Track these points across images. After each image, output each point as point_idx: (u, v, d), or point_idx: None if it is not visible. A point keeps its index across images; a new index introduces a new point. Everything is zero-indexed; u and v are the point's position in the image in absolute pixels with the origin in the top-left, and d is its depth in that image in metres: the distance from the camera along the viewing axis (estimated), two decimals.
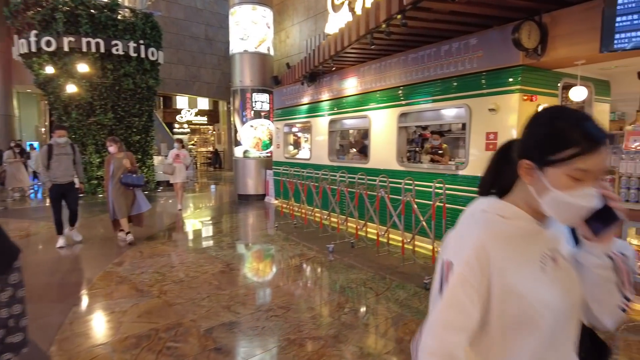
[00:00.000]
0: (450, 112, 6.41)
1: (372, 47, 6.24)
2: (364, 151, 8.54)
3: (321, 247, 6.61)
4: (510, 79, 5.35)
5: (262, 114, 12.03)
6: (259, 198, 12.05)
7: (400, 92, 7.07)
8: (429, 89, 6.51)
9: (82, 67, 12.27)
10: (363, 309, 4.24)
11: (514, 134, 5.32)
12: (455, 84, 6.09)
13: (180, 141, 10.08)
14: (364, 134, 8.32)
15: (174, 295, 4.65)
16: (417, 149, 6.85)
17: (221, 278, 5.21)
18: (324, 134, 9.11)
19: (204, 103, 29.21)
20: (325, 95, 9.07)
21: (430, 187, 6.42)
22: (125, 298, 4.57)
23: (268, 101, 12.05)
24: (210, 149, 30.12)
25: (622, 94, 7.05)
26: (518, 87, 5.27)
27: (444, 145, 7.60)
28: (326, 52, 7.42)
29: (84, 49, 12.18)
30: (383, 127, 7.46)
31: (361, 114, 7.96)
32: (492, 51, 5.51)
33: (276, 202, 11.22)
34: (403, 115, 7.03)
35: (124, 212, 6.78)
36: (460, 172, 6.03)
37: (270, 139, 12.00)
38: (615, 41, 4.21)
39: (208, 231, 8.31)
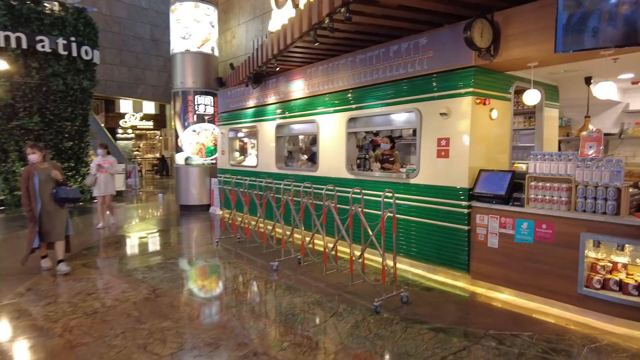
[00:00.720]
0: (400, 117, 6.02)
1: (317, 45, 5.75)
2: (313, 158, 8.04)
3: (266, 264, 6.00)
4: (462, 82, 5.02)
5: (206, 117, 11.25)
6: (203, 209, 11.24)
7: (349, 95, 6.62)
8: (379, 92, 6.10)
9: (1, 64, 10.95)
10: (305, 342, 3.68)
11: (466, 140, 5.00)
12: (405, 86, 5.71)
13: (104, 146, 8.71)
14: (313, 139, 7.81)
15: (81, 332, 3.88)
16: (367, 155, 6.43)
17: (143, 307, 4.47)
18: (271, 140, 8.51)
19: (149, 107, 27.70)
20: (271, 98, 8.49)
21: (379, 196, 6.00)
22: (17, 339, 3.75)
23: (212, 104, 11.29)
24: (157, 155, 28.59)
25: (570, 99, 6.99)
26: (470, 89, 4.95)
27: (395, 152, 7.23)
28: (269, 51, 6.85)
29: (2, 44, 10.88)
30: (332, 132, 6.98)
31: (309, 119, 7.45)
32: (443, 52, 5.17)
33: (222, 213, 10.46)
34: (352, 120, 6.59)
35: (60, 234, 5.70)
36: (412, 181, 5.64)
37: (215, 145, 11.24)
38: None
39: (140, 249, 7.46)
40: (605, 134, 7.89)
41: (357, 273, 5.27)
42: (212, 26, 11.38)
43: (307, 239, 6.24)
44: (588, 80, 6.13)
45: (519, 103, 6.15)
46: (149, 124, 28.07)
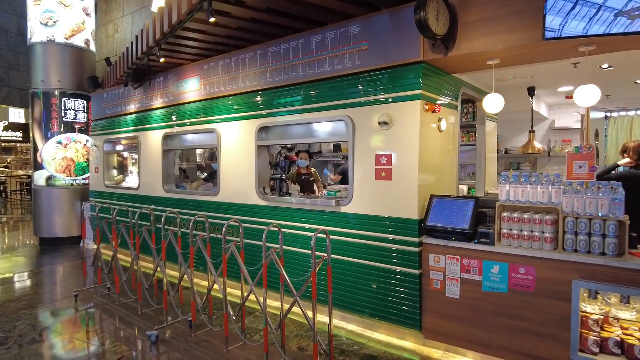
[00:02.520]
0: (325, 127, 4.70)
1: (216, 29, 4.22)
2: (213, 178, 6.38)
3: (142, 332, 4.19)
4: (408, 82, 3.86)
5: (77, 126, 8.91)
6: (73, 242, 8.79)
7: (258, 98, 5.16)
8: (297, 95, 4.74)
9: None
10: None
11: (414, 156, 3.82)
12: (331, 88, 4.42)
13: None
14: (213, 154, 6.17)
15: None
16: (283, 175, 5.03)
17: None
18: (156, 154, 6.64)
19: (18, 114, 23.21)
20: (157, 102, 6.66)
21: (302, 229, 4.58)
22: None
23: (85, 109, 9.00)
24: (30, 172, 24.02)
25: (508, 113, 6.31)
26: (419, 91, 3.80)
27: (312, 170, 5.90)
28: (151, 36, 5.12)
29: None
30: (237, 145, 5.42)
31: (207, 127, 5.80)
32: (382, 43, 3.98)
33: (96, 247, 8.15)
34: (263, 129, 5.11)
35: None
36: (343, 209, 4.32)
37: (88, 161, 8.92)
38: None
39: None
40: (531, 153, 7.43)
41: (272, 342, 3.74)
42: (87, 14, 9.14)
43: (205, 290, 4.56)
44: (531, 91, 5.43)
45: (468, 114, 5.22)
46: (18, 134, 23.51)
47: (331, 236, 4.22)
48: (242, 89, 5.31)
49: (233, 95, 5.46)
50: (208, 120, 5.79)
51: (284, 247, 4.65)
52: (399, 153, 3.92)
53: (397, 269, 3.93)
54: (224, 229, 3.70)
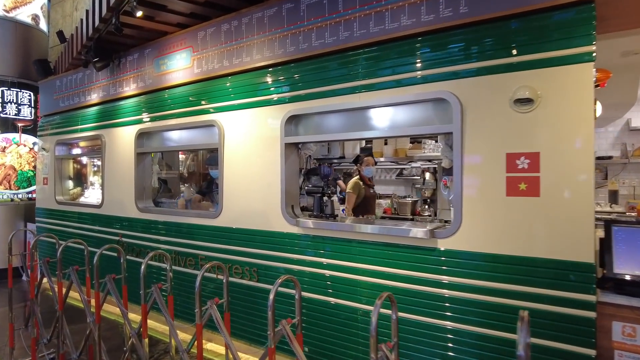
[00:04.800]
0: (405, 113, 3.05)
1: None
2: (211, 191, 4.62)
3: None
4: (571, 31, 2.29)
5: (21, 125, 6.92)
6: (14, 275, 6.72)
7: (283, 74, 3.48)
8: (350, 65, 3.08)
9: None
10: None
11: (590, 155, 2.24)
12: (412, 50, 2.79)
13: None
14: (213, 158, 4.41)
15: None
16: (324, 189, 3.38)
17: None
18: (127, 160, 4.80)
19: None
20: (130, 87, 4.85)
21: (364, 272, 2.89)
22: None
23: (32, 103, 7.03)
24: None
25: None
26: (590, 48, 2.23)
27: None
28: None
29: None
30: (250, 143, 3.71)
31: (203, 120, 4.06)
32: None
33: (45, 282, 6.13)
34: (293, 120, 3.42)
35: None
36: (443, 245, 2.66)
37: (35, 169, 6.92)
38: None
39: None
40: (600, 157, 6.05)
41: None
42: None
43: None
44: None
45: None
46: None
47: (420, 287, 2.58)
48: (257, 63, 3.61)
49: (243, 72, 3.75)
50: (204, 110, 4.04)
51: (334, 300, 2.97)
52: (554, 151, 2.33)
53: (552, 345, 2.30)
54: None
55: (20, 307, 5.34)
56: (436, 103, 2.75)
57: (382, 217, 5.28)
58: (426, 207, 5.05)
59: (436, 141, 5.04)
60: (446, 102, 2.64)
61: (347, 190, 4.30)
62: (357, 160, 4.48)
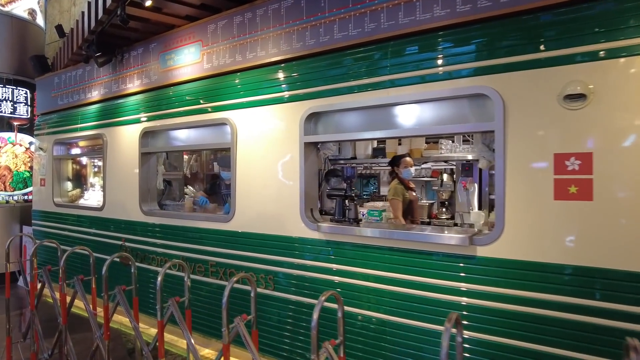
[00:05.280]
0: (435, 110, 2.85)
1: None
2: (218, 191, 4.41)
3: None
4: (633, 20, 2.10)
5: (16, 123, 6.66)
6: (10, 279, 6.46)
7: (298, 69, 3.27)
8: (373, 58, 2.88)
9: None
10: None
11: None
12: (446, 41, 2.60)
13: None
14: (224, 159, 4.20)
15: None
16: (346, 191, 3.16)
17: None
18: (131, 160, 4.57)
19: None
20: (134, 84, 4.62)
21: (394, 282, 2.67)
22: None
23: (27, 101, 6.77)
24: None
25: None
26: None
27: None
28: None
29: None
30: (265, 142, 3.50)
31: (214, 118, 3.84)
32: None
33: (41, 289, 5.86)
34: (313, 117, 3.21)
35: None
36: (482, 251, 2.46)
37: (32, 170, 6.66)
38: None
39: None
40: None
41: None
42: None
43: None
44: None
45: None
46: None
47: (462, 299, 2.39)
48: (273, 57, 3.40)
49: (258, 67, 3.53)
50: (216, 107, 3.81)
51: (360, 311, 2.77)
52: (608, 151, 2.13)
53: None
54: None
55: (16, 315, 5.09)
56: (473, 99, 2.55)
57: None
58: (444, 209, 4.85)
59: (453, 141, 4.85)
60: (486, 98, 2.44)
61: (390, 198, 3.98)
62: (393, 162, 4.19)
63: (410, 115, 2.85)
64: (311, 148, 3.25)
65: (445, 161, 5.03)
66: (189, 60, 4.04)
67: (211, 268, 3.76)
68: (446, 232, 2.62)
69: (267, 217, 3.43)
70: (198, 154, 6.12)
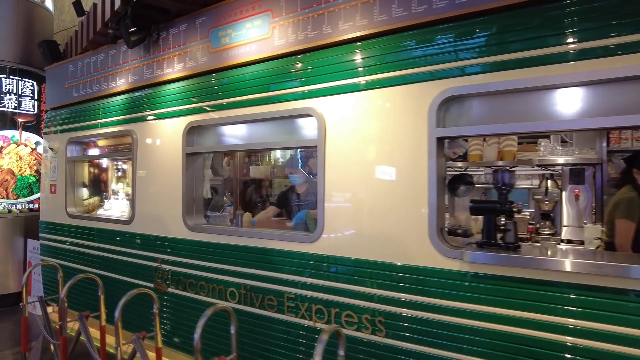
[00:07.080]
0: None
1: None
2: (288, 204, 3.55)
3: None
4: None
5: (21, 120, 5.77)
6: (9, 302, 5.57)
7: (436, 37, 2.43)
8: (557, 21, 2.06)
9: None
10: None
11: None
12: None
13: None
14: (306, 158, 3.34)
15: None
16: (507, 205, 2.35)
17: None
18: (170, 162, 3.70)
19: None
20: (175, 68, 3.75)
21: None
22: None
23: (34, 94, 5.89)
24: None
25: None
26: None
27: None
28: None
29: None
30: (373, 138, 2.65)
31: (291, 108, 2.98)
32: None
33: (52, 311, 4.91)
34: (448, 103, 2.37)
35: None
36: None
37: (39, 174, 5.76)
38: None
39: None
40: None
41: None
42: None
43: None
44: None
45: None
46: None
47: None
48: (380, 26, 2.56)
49: (356, 40, 2.69)
50: (294, 95, 2.96)
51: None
52: None
53: None
54: None
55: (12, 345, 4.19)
56: None
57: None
58: (546, 223, 4.03)
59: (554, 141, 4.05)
60: None
61: (621, 217, 2.84)
62: (632, 162, 3.02)
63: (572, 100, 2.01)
64: (441, 145, 2.41)
65: (542, 165, 4.21)
66: (252, 36, 3.19)
67: (287, 302, 2.89)
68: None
69: (371, 237, 2.57)
70: (231, 156, 5.26)
